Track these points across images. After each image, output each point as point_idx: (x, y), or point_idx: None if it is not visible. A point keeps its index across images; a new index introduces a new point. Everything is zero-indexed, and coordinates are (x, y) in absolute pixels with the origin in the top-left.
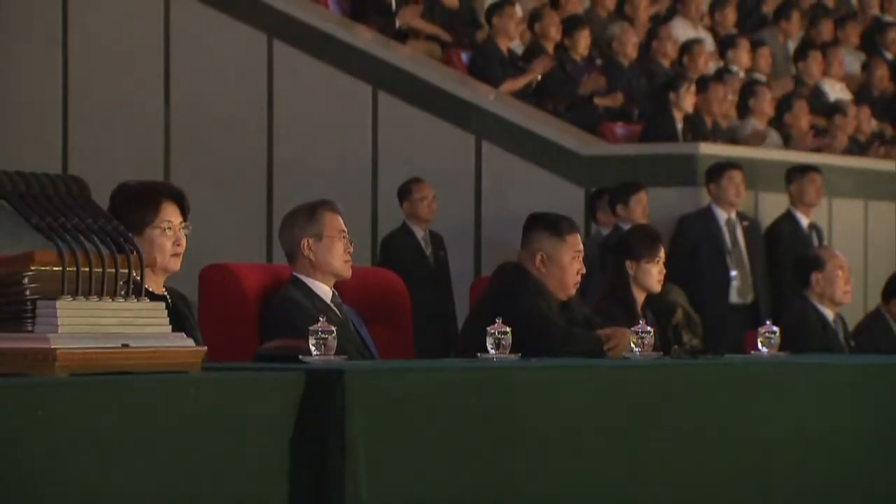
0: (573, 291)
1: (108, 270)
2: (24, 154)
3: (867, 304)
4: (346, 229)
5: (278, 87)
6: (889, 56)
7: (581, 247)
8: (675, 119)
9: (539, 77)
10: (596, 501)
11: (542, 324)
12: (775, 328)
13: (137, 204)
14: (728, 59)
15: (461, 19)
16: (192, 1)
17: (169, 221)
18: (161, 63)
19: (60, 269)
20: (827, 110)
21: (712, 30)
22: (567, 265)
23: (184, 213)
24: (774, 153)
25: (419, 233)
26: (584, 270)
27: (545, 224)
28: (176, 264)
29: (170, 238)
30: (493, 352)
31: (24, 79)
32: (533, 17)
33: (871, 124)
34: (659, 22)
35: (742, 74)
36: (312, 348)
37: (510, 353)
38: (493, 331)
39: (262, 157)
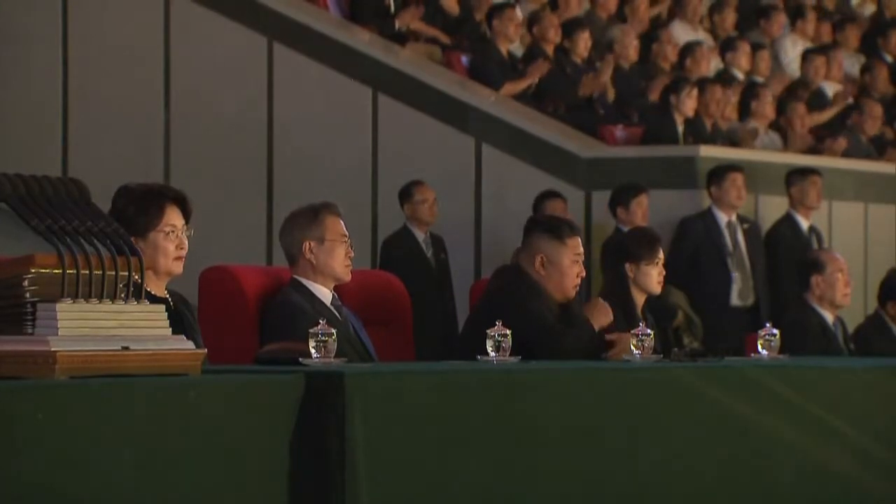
0: (573, 294)
1: (108, 273)
2: (24, 156)
3: (867, 307)
4: (347, 233)
5: (278, 90)
6: (889, 58)
7: (581, 250)
8: (676, 122)
9: (538, 80)
10: (596, 503)
11: (537, 325)
12: (775, 331)
13: (141, 207)
14: (728, 61)
15: (461, 22)
16: (192, 3)
17: (172, 225)
18: (161, 65)
19: (60, 271)
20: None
21: (712, 32)
22: (567, 268)
23: (186, 216)
24: (774, 156)
25: (420, 235)
26: (584, 274)
27: (546, 227)
28: (179, 267)
29: (173, 241)
30: (493, 354)
31: (23, 81)
32: (532, 20)
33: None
34: (659, 24)
35: (742, 77)
36: (312, 351)
37: (510, 355)
38: (493, 333)
39: (262, 159)
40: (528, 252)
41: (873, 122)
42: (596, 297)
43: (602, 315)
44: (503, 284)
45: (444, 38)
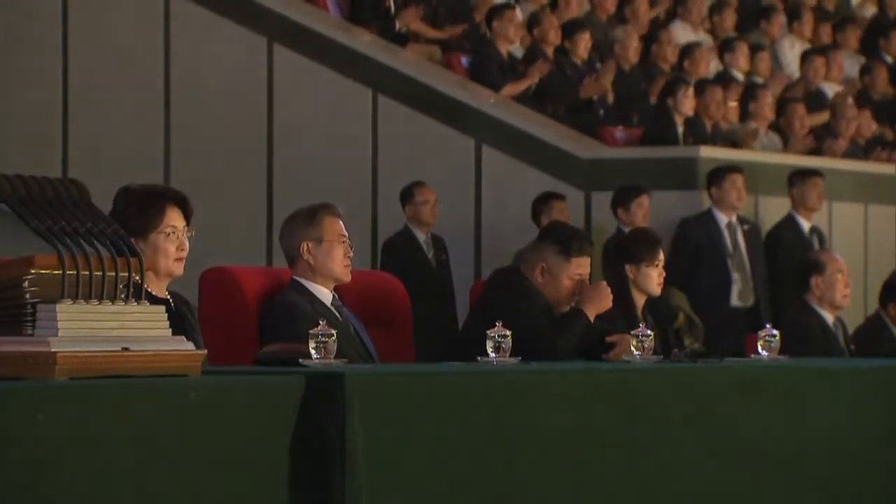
0: (566, 308)
1: (108, 274)
2: (24, 157)
3: (867, 308)
4: (346, 234)
5: (278, 91)
6: (889, 59)
7: (586, 271)
8: (676, 122)
9: (538, 81)
10: (596, 502)
11: (529, 327)
12: (775, 332)
13: (142, 208)
14: (727, 62)
15: (461, 23)
16: (192, 4)
17: (173, 226)
18: (161, 67)
19: (60, 272)
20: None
21: (711, 33)
22: (564, 285)
23: (187, 217)
24: (775, 157)
25: (421, 236)
26: None
27: (556, 239)
28: (179, 268)
29: (174, 242)
30: (493, 355)
31: (24, 82)
32: (532, 21)
33: (871, 128)
34: (659, 25)
35: (741, 77)
36: (312, 352)
37: (510, 356)
38: (493, 334)
39: (262, 160)
40: (532, 257)
41: (850, 123)
42: (598, 281)
43: (602, 298)
44: (498, 286)
45: (455, 32)
